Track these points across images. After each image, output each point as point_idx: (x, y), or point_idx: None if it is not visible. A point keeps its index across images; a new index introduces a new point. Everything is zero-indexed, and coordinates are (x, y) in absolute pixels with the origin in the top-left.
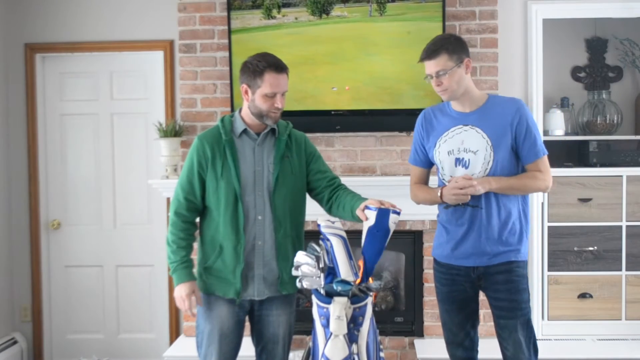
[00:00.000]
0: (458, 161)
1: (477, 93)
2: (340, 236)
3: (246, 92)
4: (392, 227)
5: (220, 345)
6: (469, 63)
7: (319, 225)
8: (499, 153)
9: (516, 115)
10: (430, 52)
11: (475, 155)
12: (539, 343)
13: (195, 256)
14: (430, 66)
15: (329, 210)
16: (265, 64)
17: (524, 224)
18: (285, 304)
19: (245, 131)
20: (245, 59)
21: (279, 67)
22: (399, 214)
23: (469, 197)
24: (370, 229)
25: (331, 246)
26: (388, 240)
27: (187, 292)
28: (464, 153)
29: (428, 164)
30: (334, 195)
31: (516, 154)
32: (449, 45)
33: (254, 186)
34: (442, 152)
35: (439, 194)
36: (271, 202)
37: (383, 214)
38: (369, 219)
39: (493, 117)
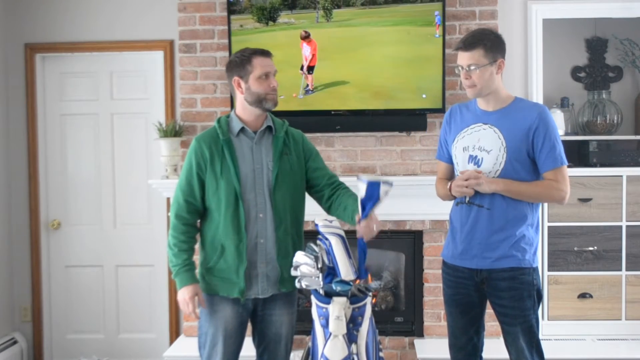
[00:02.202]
0: (471, 158)
1: (504, 94)
2: (339, 235)
3: (239, 85)
4: (384, 196)
5: (224, 346)
6: (502, 64)
7: (316, 225)
8: (512, 156)
9: (535, 121)
10: (468, 44)
11: (488, 155)
12: None
13: (196, 257)
14: (464, 58)
15: (328, 209)
16: (251, 51)
17: (532, 232)
18: (288, 303)
19: (242, 130)
20: (226, 63)
21: (263, 51)
22: (391, 184)
23: (473, 191)
24: (361, 201)
25: (330, 246)
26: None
27: (191, 294)
28: (478, 151)
29: (452, 159)
30: (334, 194)
31: (533, 161)
32: (488, 42)
33: (254, 184)
34: (458, 148)
35: (448, 187)
36: (271, 199)
37: (373, 185)
38: (360, 190)
39: (513, 120)
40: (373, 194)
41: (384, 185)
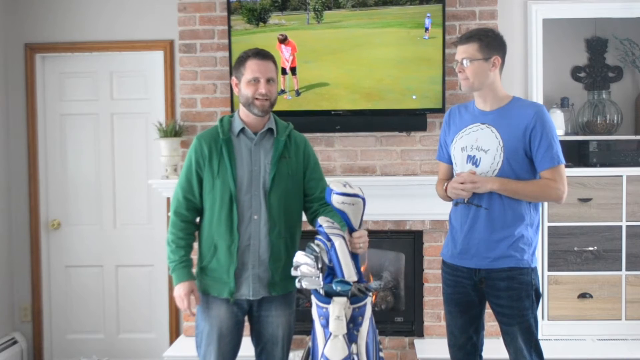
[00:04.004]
0: (469, 158)
1: (502, 93)
2: (342, 237)
3: (236, 85)
4: (339, 206)
5: (219, 345)
6: (497, 61)
7: (320, 226)
8: (510, 155)
9: (532, 120)
10: (464, 38)
11: (486, 155)
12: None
13: (195, 256)
14: (460, 51)
15: (311, 222)
16: (249, 53)
17: (531, 232)
18: (285, 304)
19: (242, 130)
20: None
21: (261, 54)
22: (346, 195)
23: (470, 194)
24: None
25: (332, 246)
26: (350, 215)
27: (186, 291)
28: (476, 151)
29: (452, 160)
30: (321, 209)
31: (531, 160)
32: (484, 38)
33: (250, 186)
34: (456, 148)
35: (444, 187)
36: (267, 202)
37: (328, 192)
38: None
39: (510, 119)
40: (328, 199)
41: (335, 196)
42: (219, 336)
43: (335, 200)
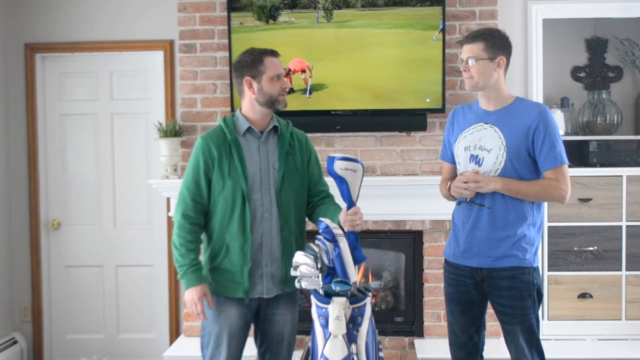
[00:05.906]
0: (472, 158)
1: (506, 94)
2: (345, 238)
3: (250, 85)
4: (341, 173)
5: (228, 346)
6: (502, 62)
7: (326, 227)
8: (512, 155)
9: (535, 120)
10: (470, 37)
11: (489, 154)
12: None
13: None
14: (465, 50)
15: (309, 216)
16: (261, 51)
17: (533, 231)
18: (290, 303)
19: (249, 129)
20: (233, 63)
21: (273, 51)
22: (349, 160)
23: (473, 193)
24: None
25: (337, 247)
26: (350, 185)
27: (199, 295)
28: (479, 151)
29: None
30: (319, 202)
31: (534, 160)
32: (490, 38)
33: (261, 184)
34: (460, 148)
35: (447, 187)
36: (277, 199)
37: (330, 161)
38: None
39: (513, 119)
40: (330, 170)
41: (338, 162)
42: (228, 337)
43: (339, 166)
